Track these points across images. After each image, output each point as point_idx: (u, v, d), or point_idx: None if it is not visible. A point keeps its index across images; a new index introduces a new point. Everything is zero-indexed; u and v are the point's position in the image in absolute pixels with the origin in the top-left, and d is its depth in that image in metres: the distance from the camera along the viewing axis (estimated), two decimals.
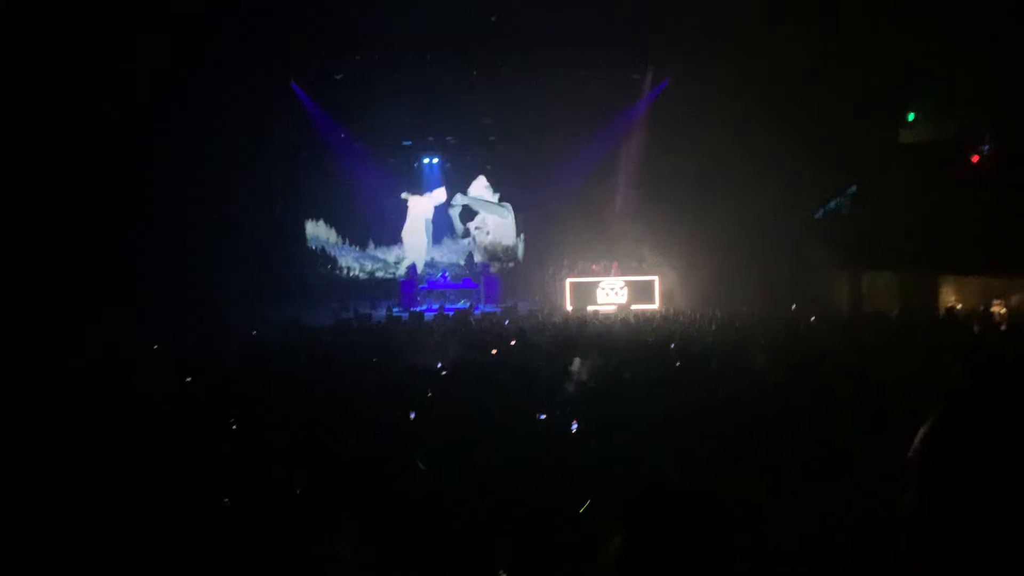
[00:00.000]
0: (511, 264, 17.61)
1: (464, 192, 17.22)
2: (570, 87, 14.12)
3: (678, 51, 13.38)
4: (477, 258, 17.53)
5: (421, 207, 17.36)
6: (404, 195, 16.72)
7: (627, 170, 16.17)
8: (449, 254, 18.29)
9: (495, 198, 17.20)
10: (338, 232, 17.91)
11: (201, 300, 11.83)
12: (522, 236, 18.14)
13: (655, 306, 14.66)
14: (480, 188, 17.32)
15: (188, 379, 4.97)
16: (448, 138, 16.89)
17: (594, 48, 13.47)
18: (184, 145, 12.02)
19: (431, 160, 17.74)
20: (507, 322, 10.87)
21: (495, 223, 17.44)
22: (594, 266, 15.87)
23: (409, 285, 16.08)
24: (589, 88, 14.38)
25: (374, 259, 17.91)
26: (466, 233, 17.60)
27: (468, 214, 17.52)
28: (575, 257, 15.99)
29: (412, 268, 16.64)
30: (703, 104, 13.07)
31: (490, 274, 16.73)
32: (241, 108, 13.14)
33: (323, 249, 17.70)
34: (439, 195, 17.25)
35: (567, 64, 13.90)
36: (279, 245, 15.64)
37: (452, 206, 17.13)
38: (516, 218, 17.44)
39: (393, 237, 17.47)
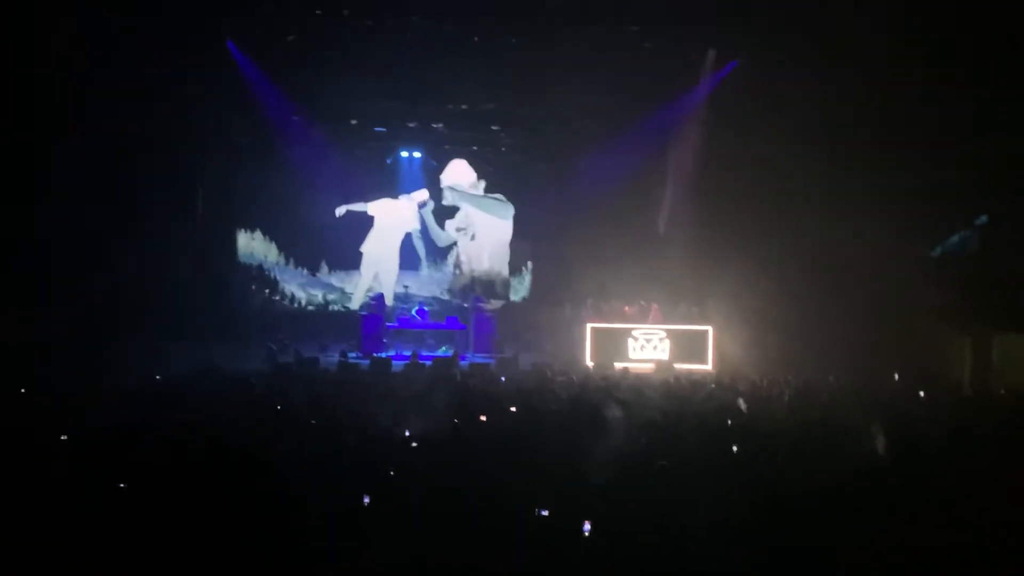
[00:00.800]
0: (510, 299, 18.12)
1: (436, 182, 17.95)
2: (602, 64, 14.64)
3: (754, 23, 13.90)
4: (460, 285, 18.23)
5: (392, 217, 17.79)
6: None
7: (677, 179, 16.68)
8: (428, 283, 18.78)
9: (480, 188, 17.80)
10: (280, 247, 18.50)
11: (80, 327, 12.29)
12: (529, 264, 18.92)
13: (707, 367, 14.95)
14: (459, 174, 17.88)
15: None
16: (436, 125, 17.36)
17: (638, 14, 14.14)
18: (64, 114, 12.61)
19: (411, 154, 18.33)
20: (503, 379, 11.14)
21: (486, 224, 17.95)
22: (627, 308, 16.15)
23: (373, 322, 16.24)
24: (629, 67, 14.97)
25: (327, 286, 18.54)
26: (445, 252, 18.38)
27: (444, 214, 18.14)
28: (601, 294, 16.36)
29: (378, 300, 16.83)
30: (784, 96, 13.65)
31: (483, 312, 16.84)
32: (151, 72, 13.61)
33: (260, 268, 18.28)
34: (417, 197, 17.81)
35: (599, 35, 14.46)
36: (199, 260, 16.10)
37: (423, 205, 17.73)
38: (524, 241, 18.13)
39: (354, 258, 17.92)
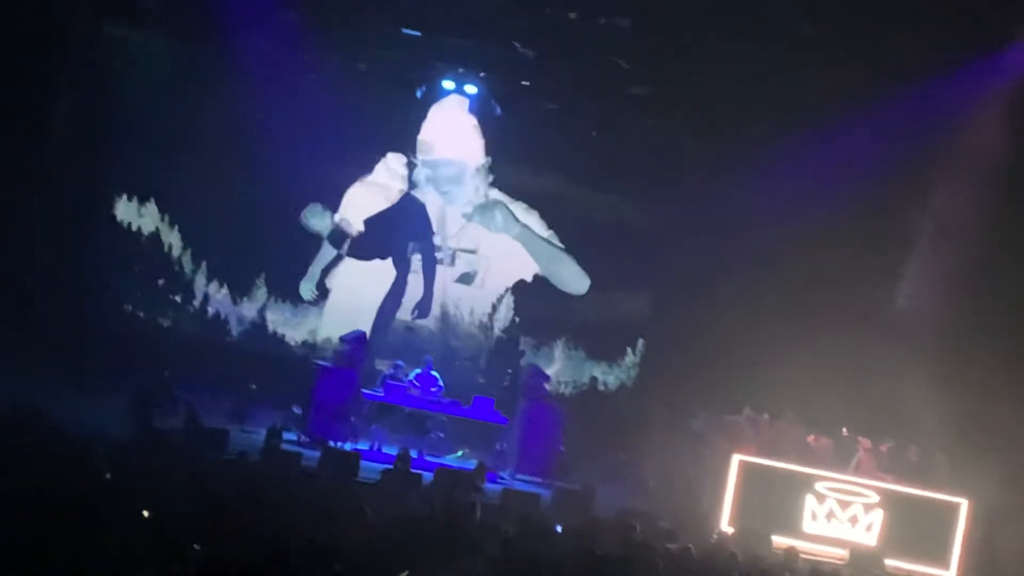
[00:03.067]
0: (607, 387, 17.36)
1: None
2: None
3: None
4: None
5: (388, 211, 16.66)
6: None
7: (945, 215, 14.88)
8: (448, 331, 17.15)
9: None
10: (188, 240, 16.40)
11: None
12: (640, 343, 17.19)
13: (949, 574, 13.02)
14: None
15: None
16: (522, 50, 15.83)
17: None
18: None
19: (460, 86, 16.49)
20: (559, 528, 9.90)
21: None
22: (812, 437, 13.99)
23: (338, 383, 13.97)
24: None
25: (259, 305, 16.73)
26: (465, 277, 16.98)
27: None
28: (765, 405, 14.37)
29: (356, 342, 14.45)
30: None
31: (544, 401, 14.48)
32: None
33: (148, 260, 16.45)
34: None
35: None
36: (49, 229, 14.89)
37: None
38: (635, 296, 16.88)
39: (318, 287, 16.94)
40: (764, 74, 14.88)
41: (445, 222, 17.13)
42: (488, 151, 16.89)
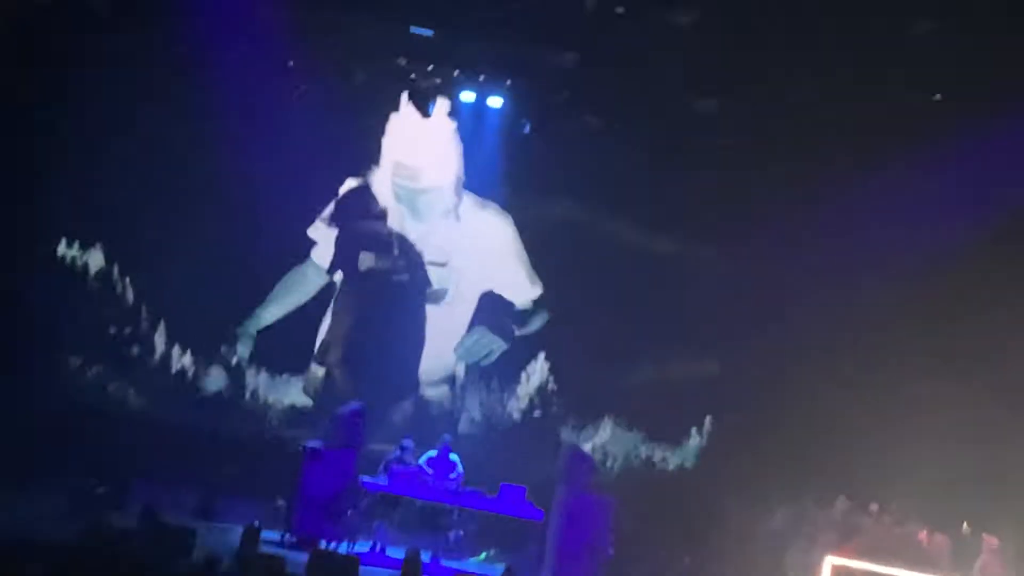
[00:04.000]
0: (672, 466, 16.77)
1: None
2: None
3: None
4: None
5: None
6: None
7: None
8: (473, 394, 16.54)
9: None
10: (139, 292, 15.26)
11: None
12: (707, 422, 16.16)
13: None
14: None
15: None
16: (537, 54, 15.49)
17: None
18: None
19: (482, 98, 15.69)
20: None
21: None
22: (924, 533, 13.22)
23: (331, 468, 12.76)
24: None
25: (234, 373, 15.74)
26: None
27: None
28: (858, 488, 13.74)
29: (352, 417, 13.08)
30: None
31: (586, 489, 12.86)
32: None
33: (94, 309, 15.28)
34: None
35: None
36: None
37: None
38: (700, 363, 15.88)
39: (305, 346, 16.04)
40: (868, 86, 14.14)
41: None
42: (510, 180, 15.89)
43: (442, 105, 15.84)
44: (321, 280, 16.15)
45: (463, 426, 16.51)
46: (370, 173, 15.95)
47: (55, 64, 14.86)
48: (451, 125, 16.00)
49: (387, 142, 15.63)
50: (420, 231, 16.27)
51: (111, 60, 14.86)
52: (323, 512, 12.56)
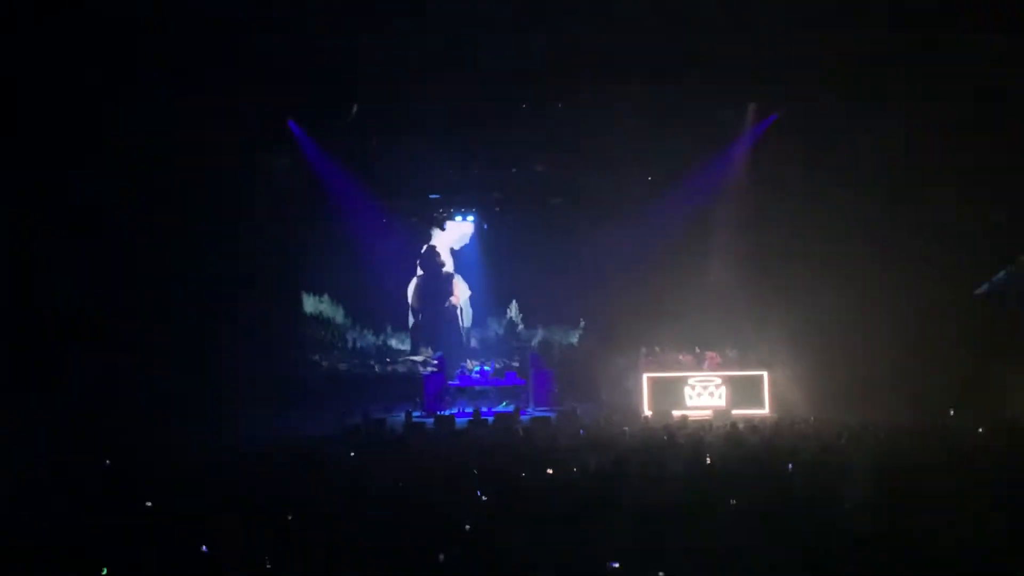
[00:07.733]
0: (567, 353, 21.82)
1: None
2: (648, 124, 17.56)
3: (793, 78, 16.47)
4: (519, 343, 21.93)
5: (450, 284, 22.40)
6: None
7: (725, 232, 19.42)
8: (490, 342, 22.49)
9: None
10: (347, 311, 21.75)
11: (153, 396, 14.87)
12: (582, 322, 22.04)
13: (764, 411, 17.57)
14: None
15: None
16: (494, 194, 21.44)
17: (680, 75, 16.64)
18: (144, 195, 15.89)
19: (464, 218, 22.66)
20: (582, 431, 13.18)
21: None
22: (682, 356, 18.81)
23: (435, 381, 19.08)
24: (674, 125, 17.73)
25: (390, 350, 21.96)
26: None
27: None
28: (655, 345, 18.91)
29: (440, 360, 19.97)
30: (826, 146, 16.53)
31: (541, 368, 19.64)
32: (221, 149, 16.48)
33: (325, 334, 21.39)
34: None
35: (642, 96, 17.07)
36: (268, 328, 18.90)
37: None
38: (578, 293, 21.36)
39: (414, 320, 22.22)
40: None
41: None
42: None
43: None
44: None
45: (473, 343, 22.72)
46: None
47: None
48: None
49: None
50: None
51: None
52: (435, 400, 18.18)
